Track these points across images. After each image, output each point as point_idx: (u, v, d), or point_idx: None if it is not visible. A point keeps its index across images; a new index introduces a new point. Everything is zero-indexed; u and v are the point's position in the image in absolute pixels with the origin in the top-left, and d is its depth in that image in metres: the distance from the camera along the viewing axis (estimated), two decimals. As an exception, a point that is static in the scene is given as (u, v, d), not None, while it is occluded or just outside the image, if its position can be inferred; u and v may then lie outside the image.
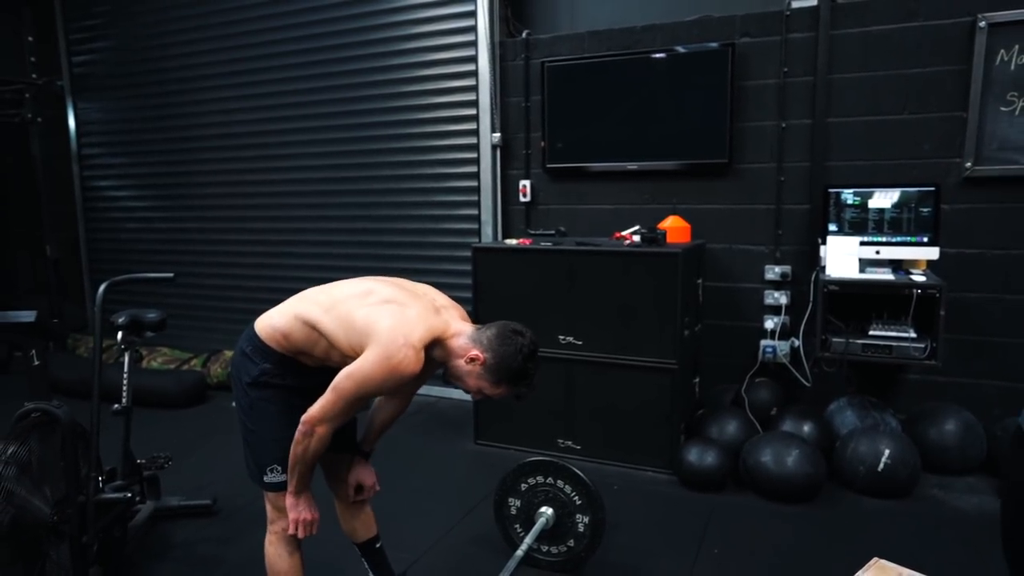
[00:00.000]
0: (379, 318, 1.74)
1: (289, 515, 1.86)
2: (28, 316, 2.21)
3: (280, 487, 1.88)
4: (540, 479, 2.50)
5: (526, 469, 2.52)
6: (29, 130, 5.26)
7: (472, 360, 1.78)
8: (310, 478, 1.86)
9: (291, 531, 1.86)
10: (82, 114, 5.76)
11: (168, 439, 3.91)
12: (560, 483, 2.47)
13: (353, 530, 2.21)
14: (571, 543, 2.50)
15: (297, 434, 1.75)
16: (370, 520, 2.22)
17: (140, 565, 2.63)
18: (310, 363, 1.88)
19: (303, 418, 1.74)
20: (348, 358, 1.76)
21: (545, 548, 2.54)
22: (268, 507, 1.95)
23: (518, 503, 2.55)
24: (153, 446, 3.32)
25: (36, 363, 2.31)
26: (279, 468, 1.86)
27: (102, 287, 2.64)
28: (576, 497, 2.46)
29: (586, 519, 2.46)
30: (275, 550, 1.94)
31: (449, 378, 1.88)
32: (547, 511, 2.48)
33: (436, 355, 1.83)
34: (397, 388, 1.84)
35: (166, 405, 4.54)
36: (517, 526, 2.57)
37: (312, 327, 1.82)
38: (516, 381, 1.82)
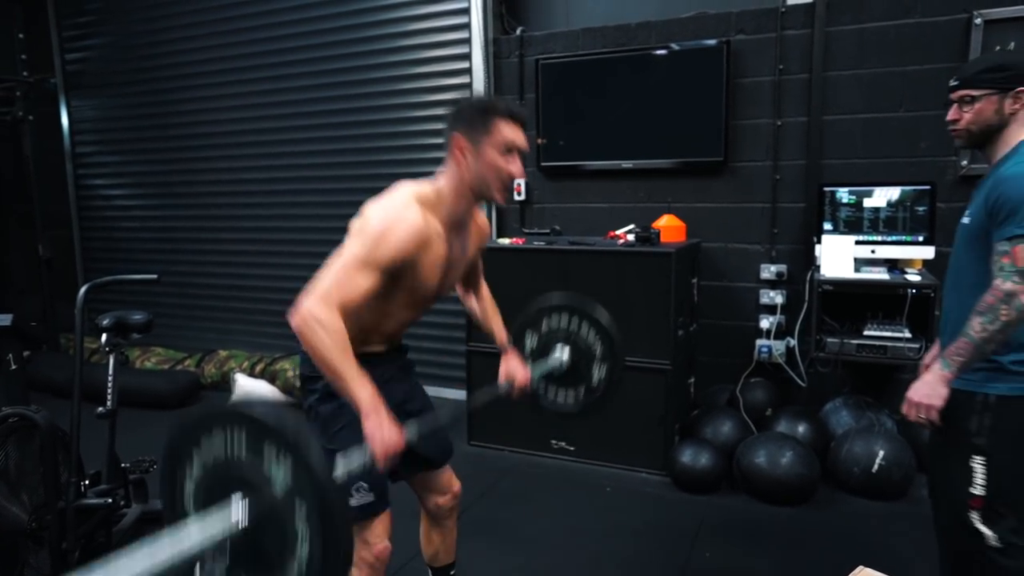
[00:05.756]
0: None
1: (371, 444, 1.41)
2: (3, 320, 2.16)
3: (368, 512, 1.65)
4: (563, 321, 2.16)
5: (549, 310, 2.18)
6: (21, 129, 5.22)
7: (457, 151, 1.60)
8: (358, 373, 1.45)
9: (382, 466, 1.48)
10: (75, 112, 5.73)
11: (159, 441, 3.87)
12: (584, 329, 2.13)
13: (436, 554, 2.07)
14: (581, 391, 2.15)
15: (296, 326, 1.43)
16: (453, 545, 2.10)
17: (126, 569, 2.59)
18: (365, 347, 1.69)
19: (294, 309, 1.43)
20: None
21: (555, 389, 2.19)
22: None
23: (535, 340, 2.20)
24: (143, 448, 3.28)
25: (13, 367, 2.27)
26: (365, 486, 1.62)
27: (83, 289, 2.61)
28: (597, 348, 2.12)
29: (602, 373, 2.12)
30: None
31: (477, 198, 1.68)
32: (564, 351, 2.13)
33: (440, 213, 1.64)
34: (411, 253, 1.55)
35: (158, 406, 4.51)
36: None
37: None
38: (487, 115, 1.59)
